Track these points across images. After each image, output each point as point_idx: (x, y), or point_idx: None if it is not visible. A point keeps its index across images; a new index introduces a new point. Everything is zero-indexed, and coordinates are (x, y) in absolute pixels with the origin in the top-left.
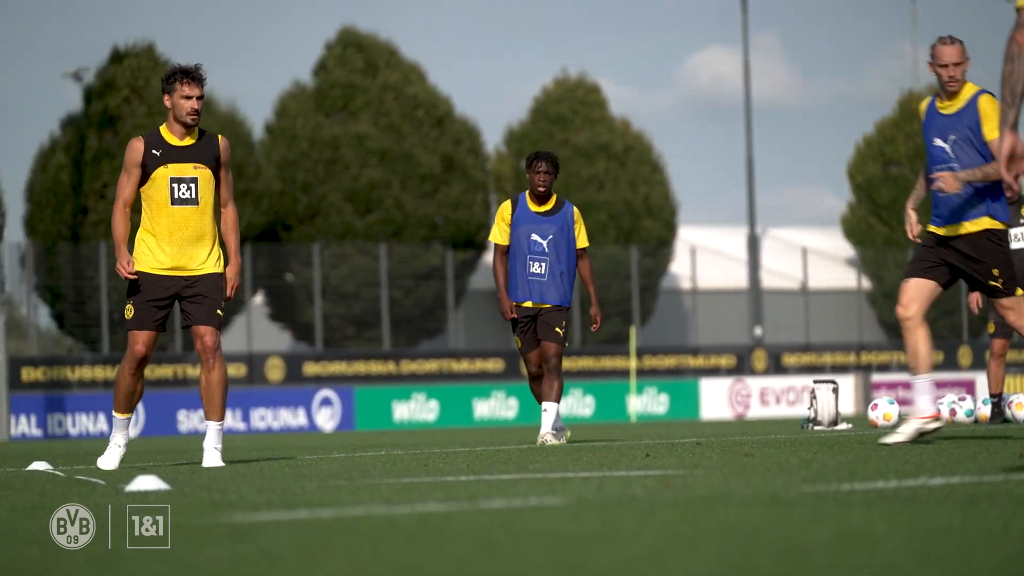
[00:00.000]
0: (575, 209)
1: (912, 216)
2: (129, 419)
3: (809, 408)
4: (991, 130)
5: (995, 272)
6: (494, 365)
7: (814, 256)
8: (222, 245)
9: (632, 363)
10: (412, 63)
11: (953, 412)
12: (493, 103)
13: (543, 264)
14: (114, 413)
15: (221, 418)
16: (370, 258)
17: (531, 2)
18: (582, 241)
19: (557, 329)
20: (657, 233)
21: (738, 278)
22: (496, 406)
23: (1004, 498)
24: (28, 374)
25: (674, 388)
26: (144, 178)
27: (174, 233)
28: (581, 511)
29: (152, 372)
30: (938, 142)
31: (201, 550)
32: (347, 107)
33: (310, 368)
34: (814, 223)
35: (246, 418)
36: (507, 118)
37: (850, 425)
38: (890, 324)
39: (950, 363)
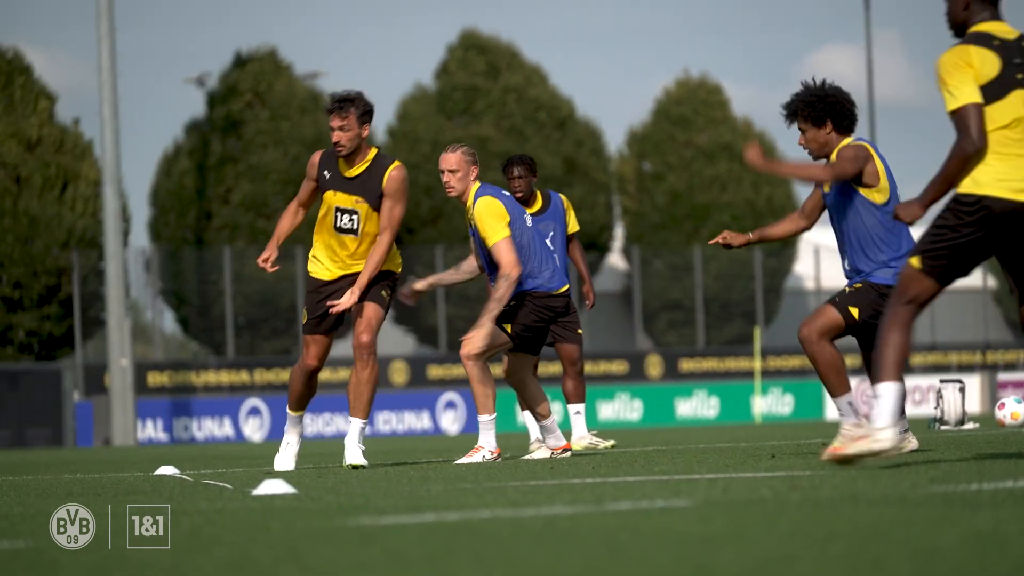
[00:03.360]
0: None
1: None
2: (301, 416)
3: (936, 408)
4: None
5: None
6: (618, 367)
7: None
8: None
9: (756, 364)
10: (534, 65)
11: None
12: (615, 105)
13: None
14: (288, 410)
15: (365, 416)
16: None
17: (652, 3)
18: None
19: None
20: None
21: None
22: (620, 408)
23: None
24: (154, 379)
25: (799, 389)
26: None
27: (337, 252)
28: (708, 513)
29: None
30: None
31: (328, 553)
32: (469, 110)
33: (434, 371)
34: None
35: (371, 421)
36: (629, 120)
37: (977, 425)
38: (1016, 322)
39: None
